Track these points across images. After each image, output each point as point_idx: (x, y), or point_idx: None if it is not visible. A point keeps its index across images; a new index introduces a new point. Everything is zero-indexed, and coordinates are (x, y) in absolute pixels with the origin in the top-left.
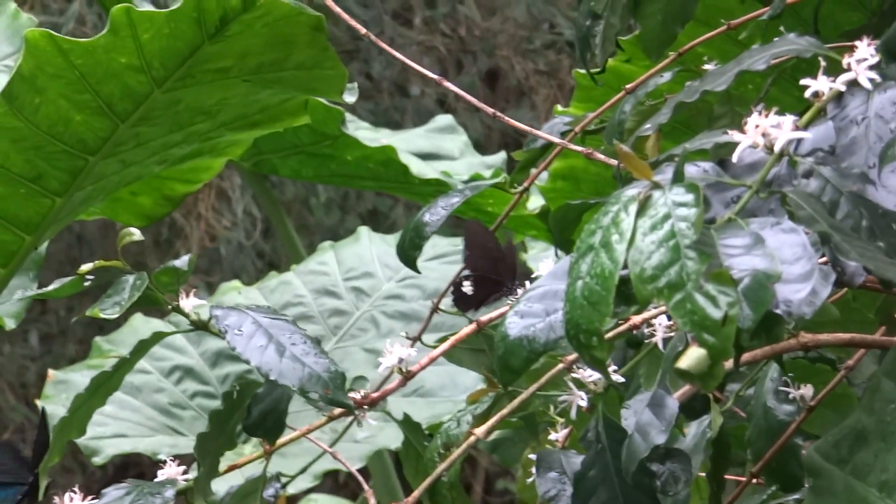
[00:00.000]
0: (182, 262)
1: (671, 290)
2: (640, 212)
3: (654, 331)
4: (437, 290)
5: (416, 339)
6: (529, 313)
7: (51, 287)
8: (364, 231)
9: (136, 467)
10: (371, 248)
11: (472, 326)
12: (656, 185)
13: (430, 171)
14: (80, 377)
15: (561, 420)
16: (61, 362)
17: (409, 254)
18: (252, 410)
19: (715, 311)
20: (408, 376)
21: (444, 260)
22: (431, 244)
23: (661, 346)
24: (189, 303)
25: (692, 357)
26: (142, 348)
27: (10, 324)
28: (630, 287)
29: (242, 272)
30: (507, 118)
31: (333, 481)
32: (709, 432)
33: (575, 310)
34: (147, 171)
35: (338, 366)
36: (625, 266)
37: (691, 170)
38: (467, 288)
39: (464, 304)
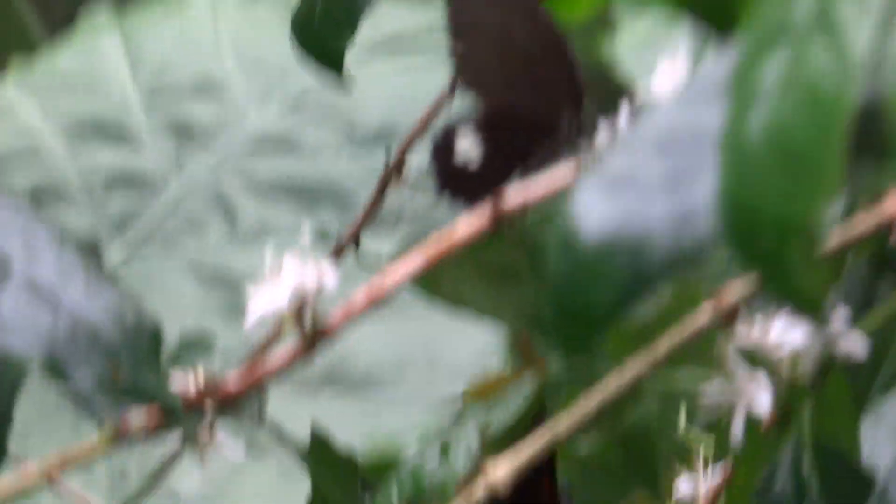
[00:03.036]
0: None
1: None
2: None
3: None
4: (383, 127)
5: (339, 250)
6: (629, 182)
7: None
8: None
9: None
10: (215, 21)
11: (482, 217)
12: None
13: None
14: None
15: (701, 447)
16: None
17: (326, 38)
18: None
19: None
20: (316, 336)
21: (400, 59)
22: (370, 19)
23: None
24: None
25: None
26: None
27: None
28: (878, 124)
29: None
30: None
31: None
32: None
33: (747, 175)
34: None
35: (146, 312)
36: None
37: None
38: (466, 143)
39: (455, 188)
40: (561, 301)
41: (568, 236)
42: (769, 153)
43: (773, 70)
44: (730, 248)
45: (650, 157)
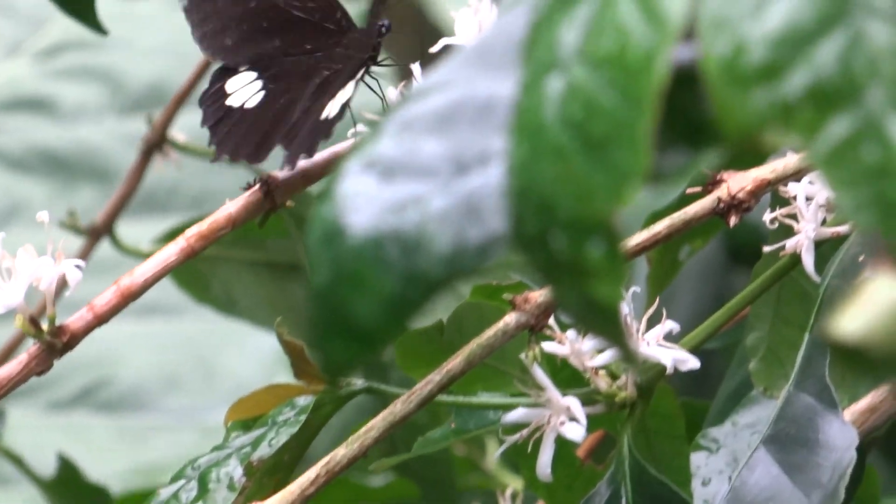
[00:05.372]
0: None
1: (825, 107)
2: None
3: (794, 221)
4: (153, 87)
5: (94, 237)
6: (407, 167)
7: None
8: None
9: None
10: None
11: (255, 196)
12: None
13: None
14: None
15: (509, 488)
16: None
17: None
18: None
19: None
20: (56, 341)
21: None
22: None
23: (807, 268)
24: None
25: (881, 306)
26: None
27: None
28: (698, 95)
29: None
30: None
31: None
32: None
33: (539, 160)
34: None
35: None
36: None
37: None
38: (239, 82)
39: (231, 135)
40: (322, 311)
41: (330, 230)
42: (565, 132)
43: (572, 31)
44: (522, 253)
45: (430, 135)
